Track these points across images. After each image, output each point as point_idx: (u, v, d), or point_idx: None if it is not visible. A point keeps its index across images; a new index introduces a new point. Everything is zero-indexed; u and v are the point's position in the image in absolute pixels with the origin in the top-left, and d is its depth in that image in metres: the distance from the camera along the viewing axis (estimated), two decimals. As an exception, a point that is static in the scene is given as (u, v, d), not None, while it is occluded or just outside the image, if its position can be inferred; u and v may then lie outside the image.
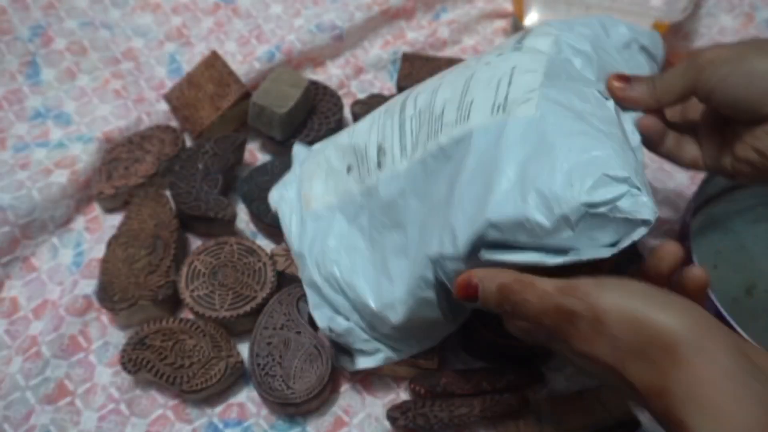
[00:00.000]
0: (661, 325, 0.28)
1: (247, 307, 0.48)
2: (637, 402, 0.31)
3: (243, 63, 0.63)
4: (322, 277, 0.46)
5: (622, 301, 0.29)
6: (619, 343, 0.29)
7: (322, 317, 0.46)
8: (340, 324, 0.45)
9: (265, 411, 0.47)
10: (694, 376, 0.27)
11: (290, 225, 0.49)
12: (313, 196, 0.49)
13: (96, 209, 0.57)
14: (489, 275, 0.34)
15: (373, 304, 0.43)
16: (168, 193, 0.55)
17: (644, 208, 0.31)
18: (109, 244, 0.52)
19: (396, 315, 0.42)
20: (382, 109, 0.47)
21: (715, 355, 0.27)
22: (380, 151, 0.44)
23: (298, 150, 0.54)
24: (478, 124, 0.37)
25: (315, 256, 0.47)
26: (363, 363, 0.46)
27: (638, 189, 0.31)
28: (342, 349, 0.47)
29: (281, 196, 0.51)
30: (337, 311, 0.46)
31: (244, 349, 0.48)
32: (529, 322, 0.34)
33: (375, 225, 0.44)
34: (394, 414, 0.44)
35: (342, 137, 0.49)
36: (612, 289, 0.30)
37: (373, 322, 0.45)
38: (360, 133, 0.47)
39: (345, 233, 0.46)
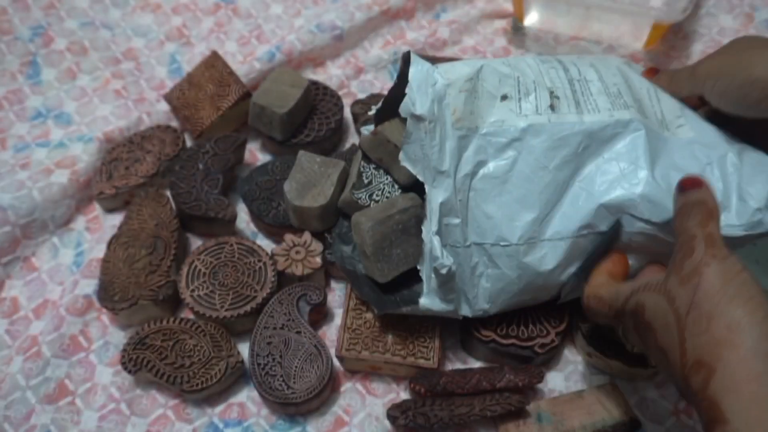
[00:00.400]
0: (731, 313, 0.30)
1: (248, 307, 0.48)
2: (670, 373, 0.33)
3: (243, 63, 0.63)
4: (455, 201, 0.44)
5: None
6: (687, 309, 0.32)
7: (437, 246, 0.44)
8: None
9: (265, 411, 0.47)
10: (744, 366, 0.29)
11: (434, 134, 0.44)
12: (460, 112, 0.44)
13: (96, 209, 0.57)
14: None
15: (513, 237, 0.44)
16: (168, 193, 0.55)
17: None
18: (110, 244, 0.52)
19: (541, 255, 0.44)
20: (529, 60, 0.48)
21: None
22: (553, 95, 0.45)
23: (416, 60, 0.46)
24: (640, 121, 0.43)
25: (458, 179, 0.44)
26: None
27: None
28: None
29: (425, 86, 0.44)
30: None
31: (244, 349, 0.48)
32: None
33: (529, 162, 0.44)
34: (395, 413, 0.44)
35: (496, 63, 0.46)
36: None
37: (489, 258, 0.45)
38: (522, 69, 0.46)
39: (490, 164, 0.45)
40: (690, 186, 0.35)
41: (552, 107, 0.44)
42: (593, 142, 0.43)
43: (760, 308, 0.30)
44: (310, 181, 0.51)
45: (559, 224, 0.43)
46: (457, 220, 0.43)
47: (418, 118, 0.42)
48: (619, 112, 0.44)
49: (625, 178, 0.42)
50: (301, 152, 0.53)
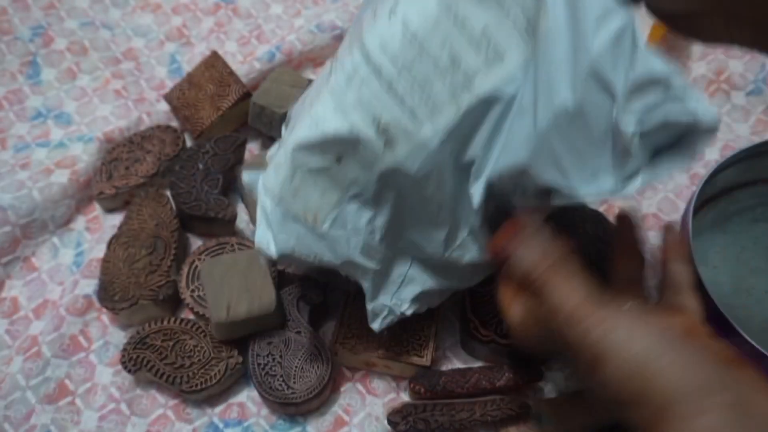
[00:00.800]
0: (660, 381, 0.28)
1: (248, 307, 0.48)
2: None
3: (243, 63, 0.63)
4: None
5: (624, 346, 0.29)
6: (614, 387, 0.30)
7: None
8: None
9: (265, 411, 0.47)
10: None
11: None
12: (317, 210, 0.41)
13: (96, 209, 0.57)
14: (523, 258, 0.34)
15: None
16: (168, 193, 0.55)
17: None
18: (110, 244, 0.52)
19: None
20: (333, 85, 0.37)
21: (710, 416, 0.27)
22: (381, 129, 0.36)
23: (250, 179, 0.45)
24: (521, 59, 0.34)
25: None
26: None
27: None
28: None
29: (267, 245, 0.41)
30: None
31: (244, 349, 0.48)
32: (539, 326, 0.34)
33: (404, 204, 0.39)
34: (395, 419, 0.44)
35: (301, 133, 0.39)
36: (620, 330, 0.30)
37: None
38: (326, 120, 0.37)
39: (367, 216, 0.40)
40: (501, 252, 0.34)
41: (388, 143, 0.37)
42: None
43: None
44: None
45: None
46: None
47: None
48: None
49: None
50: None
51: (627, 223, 0.40)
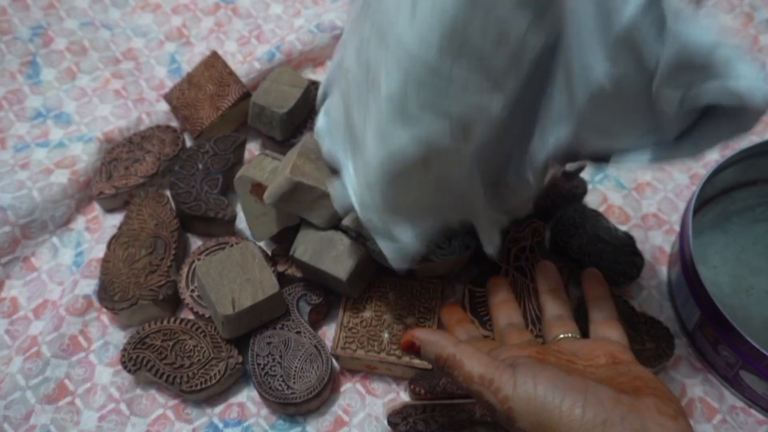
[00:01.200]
0: (562, 424, 0.31)
1: (247, 307, 0.48)
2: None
3: (243, 63, 0.63)
4: None
5: (530, 397, 0.32)
6: None
7: None
8: None
9: (265, 411, 0.47)
10: None
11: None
12: None
13: (96, 209, 0.57)
14: (430, 342, 0.37)
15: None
16: (168, 193, 0.55)
17: None
18: (110, 244, 0.52)
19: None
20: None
21: None
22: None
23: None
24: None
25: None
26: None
27: None
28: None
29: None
30: None
31: (244, 349, 0.48)
32: None
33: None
34: (395, 419, 0.44)
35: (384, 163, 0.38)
36: (523, 383, 0.33)
37: None
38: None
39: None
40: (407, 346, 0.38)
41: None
42: None
43: None
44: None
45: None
46: None
47: None
48: None
49: None
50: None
51: (548, 268, 0.46)
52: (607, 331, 0.41)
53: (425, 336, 0.37)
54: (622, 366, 0.36)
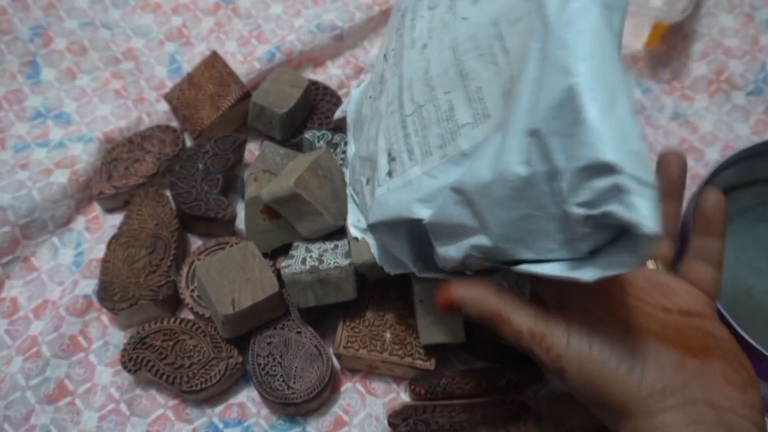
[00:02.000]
0: (617, 388, 0.29)
1: (248, 307, 0.48)
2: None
3: (243, 63, 0.63)
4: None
5: (583, 358, 0.30)
6: (579, 392, 0.31)
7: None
8: None
9: (265, 411, 0.47)
10: None
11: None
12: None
13: (96, 209, 0.57)
14: (471, 300, 0.34)
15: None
16: (168, 193, 0.55)
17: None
18: (110, 244, 0.52)
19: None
20: (383, 105, 0.40)
21: (664, 420, 0.28)
22: (390, 159, 0.37)
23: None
24: (498, 122, 0.31)
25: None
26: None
27: None
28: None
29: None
30: None
31: (244, 349, 0.48)
32: None
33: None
34: (395, 420, 0.44)
35: (362, 148, 0.42)
36: (577, 341, 0.30)
37: None
38: (369, 141, 0.40)
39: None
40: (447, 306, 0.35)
41: (390, 173, 0.37)
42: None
43: None
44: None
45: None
46: None
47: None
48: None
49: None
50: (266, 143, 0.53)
51: (673, 162, 0.36)
52: (700, 270, 0.35)
53: (464, 293, 0.34)
54: (695, 319, 0.32)
